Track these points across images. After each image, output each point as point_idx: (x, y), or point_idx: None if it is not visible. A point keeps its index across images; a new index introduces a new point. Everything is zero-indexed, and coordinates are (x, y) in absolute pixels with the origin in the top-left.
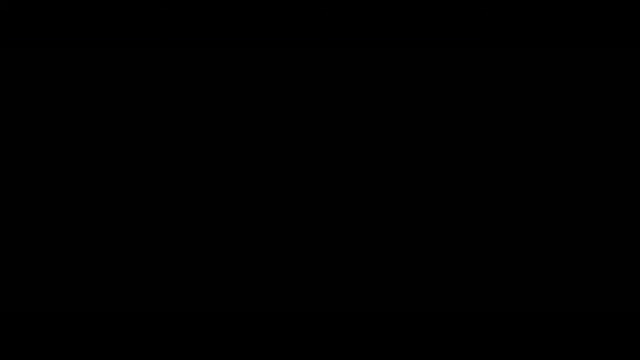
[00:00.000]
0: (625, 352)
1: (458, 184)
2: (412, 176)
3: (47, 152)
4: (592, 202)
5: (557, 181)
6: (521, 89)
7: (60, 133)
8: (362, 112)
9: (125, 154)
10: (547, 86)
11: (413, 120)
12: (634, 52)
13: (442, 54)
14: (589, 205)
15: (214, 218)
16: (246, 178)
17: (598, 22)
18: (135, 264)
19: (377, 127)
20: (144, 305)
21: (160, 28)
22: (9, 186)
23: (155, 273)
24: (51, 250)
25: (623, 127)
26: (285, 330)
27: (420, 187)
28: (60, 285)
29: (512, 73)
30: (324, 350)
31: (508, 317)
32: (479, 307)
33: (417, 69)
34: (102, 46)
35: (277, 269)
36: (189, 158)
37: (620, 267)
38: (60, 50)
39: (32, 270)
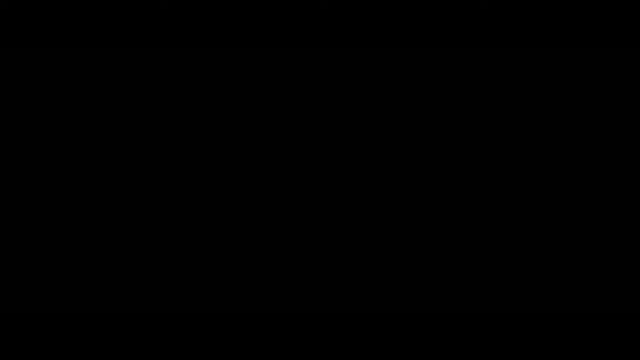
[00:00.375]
0: (625, 353)
1: (458, 185)
2: (412, 176)
3: (47, 152)
4: (592, 203)
5: (557, 181)
6: (521, 89)
7: (60, 133)
8: (362, 112)
9: (125, 154)
10: (547, 86)
11: (413, 120)
12: (634, 52)
13: (442, 54)
14: (589, 205)
15: (214, 219)
16: (246, 178)
17: (598, 22)
18: (135, 265)
19: (377, 127)
20: (144, 307)
21: (160, 28)
22: (9, 186)
23: (156, 275)
24: (51, 252)
25: (623, 127)
26: (285, 332)
27: (420, 188)
28: (61, 287)
29: (512, 73)
30: (324, 351)
31: (508, 319)
32: (479, 309)
33: (417, 69)
34: (102, 46)
35: (277, 270)
36: (189, 158)
37: (620, 269)
38: (60, 50)
39: (32, 272)
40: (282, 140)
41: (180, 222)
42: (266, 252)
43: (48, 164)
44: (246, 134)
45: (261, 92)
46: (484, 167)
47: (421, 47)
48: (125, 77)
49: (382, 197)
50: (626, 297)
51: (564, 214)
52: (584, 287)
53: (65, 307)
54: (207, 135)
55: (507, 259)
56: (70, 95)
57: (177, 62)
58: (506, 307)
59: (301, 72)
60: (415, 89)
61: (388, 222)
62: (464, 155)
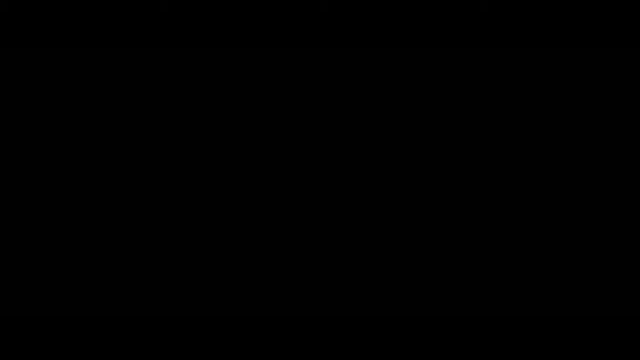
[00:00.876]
0: (625, 353)
1: (458, 185)
2: (412, 176)
3: (47, 152)
4: (592, 203)
5: (557, 181)
6: (521, 89)
7: (61, 133)
8: (362, 112)
9: (125, 154)
10: (547, 86)
11: (413, 120)
12: (634, 52)
13: (442, 54)
14: (589, 205)
15: (214, 219)
16: (246, 178)
17: (598, 22)
18: (135, 265)
19: (377, 127)
20: (144, 307)
21: (160, 28)
22: (9, 186)
23: (156, 275)
24: (51, 252)
25: (623, 127)
26: (285, 332)
27: (420, 188)
28: (61, 287)
29: (512, 73)
30: (324, 351)
31: (508, 319)
32: (479, 309)
33: (417, 69)
34: (102, 46)
35: (277, 270)
36: (189, 158)
37: (620, 269)
38: (60, 50)
39: (32, 272)
40: (282, 140)
41: (180, 222)
42: (266, 252)
43: (48, 164)
44: (246, 134)
45: (261, 92)
46: (484, 167)
47: (421, 47)
48: (125, 77)
49: (382, 197)
50: (626, 297)
51: (564, 214)
52: (584, 287)
53: (65, 307)
54: (207, 135)
55: (507, 259)
56: (70, 95)
57: (177, 62)
58: (506, 307)
59: (301, 72)
60: (415, 89)
61: (388, 222)
62: (464, 155)
